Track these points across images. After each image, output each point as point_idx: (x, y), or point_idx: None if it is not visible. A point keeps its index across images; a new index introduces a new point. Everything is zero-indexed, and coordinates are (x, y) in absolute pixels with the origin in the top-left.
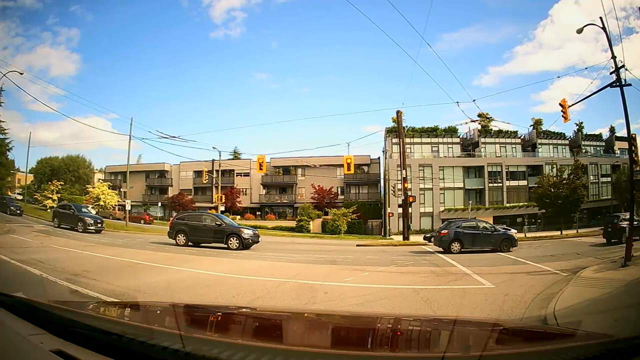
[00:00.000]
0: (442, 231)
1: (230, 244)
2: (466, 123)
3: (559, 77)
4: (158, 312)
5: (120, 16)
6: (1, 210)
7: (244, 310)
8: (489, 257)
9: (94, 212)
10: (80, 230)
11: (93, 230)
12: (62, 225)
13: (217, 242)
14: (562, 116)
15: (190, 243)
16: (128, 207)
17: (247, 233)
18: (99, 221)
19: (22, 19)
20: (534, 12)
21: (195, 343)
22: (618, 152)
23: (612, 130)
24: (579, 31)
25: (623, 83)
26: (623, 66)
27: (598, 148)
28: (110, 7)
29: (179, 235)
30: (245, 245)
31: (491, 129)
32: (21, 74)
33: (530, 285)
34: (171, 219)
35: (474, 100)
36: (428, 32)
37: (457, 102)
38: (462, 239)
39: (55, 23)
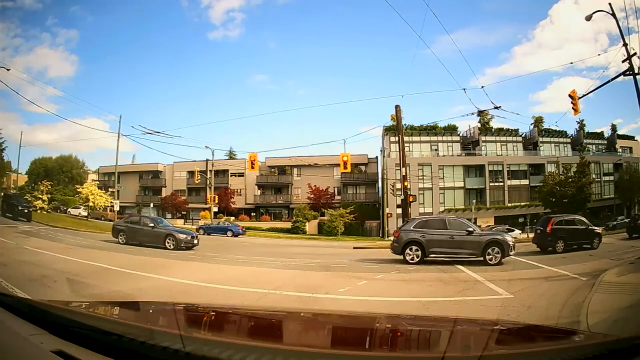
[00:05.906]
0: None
1: None
2: (472, 114)
3: (572, 62)
4: (158, 312)
5: (119, 17)
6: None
7: (244, 310)
8: None
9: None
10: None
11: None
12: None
13: None
14: (573, 108)
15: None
16: (116, 208)
17: None
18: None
19: (21, 20)
20: (533, 13)
21: (195, 343)
22: (620, 150)
23: (613, 128)
24: (588, 18)
25: (637, 71)
26: (635, 54)
27: (600, 146)
28: (109, 7)
29: None
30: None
31: (492, 127)
32: (8, 69)
33: (552, 293)
34: None
35: (482, 87)
36: (426, 34)
37: (465, 89)
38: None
39: (54, 24)
